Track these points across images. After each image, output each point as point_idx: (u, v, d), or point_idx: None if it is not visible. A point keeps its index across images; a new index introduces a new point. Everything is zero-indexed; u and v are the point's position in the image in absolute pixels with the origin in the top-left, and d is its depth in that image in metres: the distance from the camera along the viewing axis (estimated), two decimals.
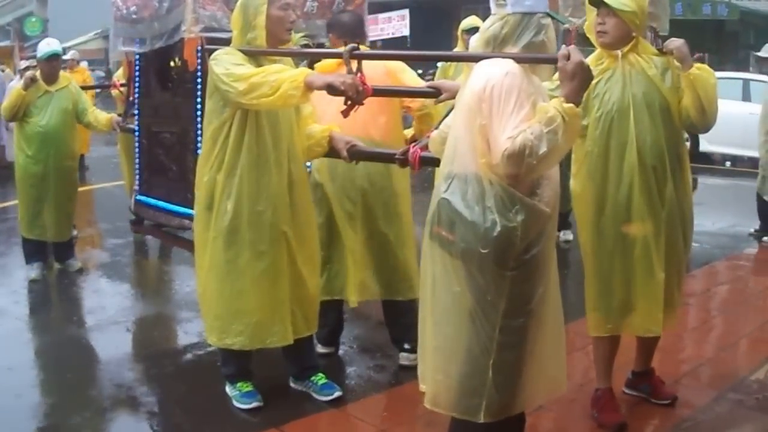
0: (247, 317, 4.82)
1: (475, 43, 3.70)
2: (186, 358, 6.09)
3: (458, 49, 8.12)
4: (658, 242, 4.56)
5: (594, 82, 4.35)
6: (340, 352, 6.01)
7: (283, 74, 4.40)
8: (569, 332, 4.86)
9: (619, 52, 4.55)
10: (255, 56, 4.73)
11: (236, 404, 5.07)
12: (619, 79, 4.53)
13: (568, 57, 3.27)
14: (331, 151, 4.96)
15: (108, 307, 7.30)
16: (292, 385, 5.30)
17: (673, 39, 4.60)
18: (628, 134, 4.48)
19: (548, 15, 3.52)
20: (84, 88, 9.50)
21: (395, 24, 22.96)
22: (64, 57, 16.39)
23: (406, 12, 22.18)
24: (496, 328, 3.40)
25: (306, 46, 5.83)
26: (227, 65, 4.55)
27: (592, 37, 4.66)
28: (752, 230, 10.05)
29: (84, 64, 16.61)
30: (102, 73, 32.58)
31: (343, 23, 5.60)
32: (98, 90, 15.16)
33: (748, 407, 5.12)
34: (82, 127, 8.65)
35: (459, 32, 8.19)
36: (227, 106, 4.68)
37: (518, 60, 3.39)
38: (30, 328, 6.99)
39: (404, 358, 5.63)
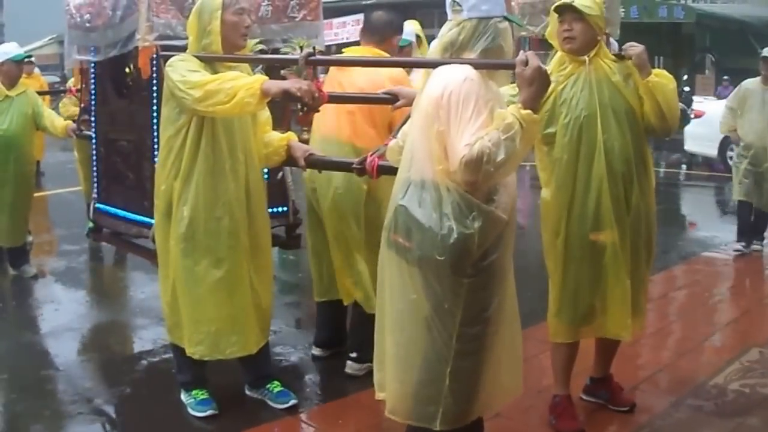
0: (206, 326, 4.80)
1: (433, 49, 3.69)
2: (141, 365, 6.01)
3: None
4: (624, 248, 4.57)
5: (559, 87, 4.49)
6: (295, 358, 6.01)
7: (239, 81, 4.39)
8: (526, 338, 4.85)
9: (586, 58, 4.54)
10: (211, 62, 4.71)
11: (191, 411, 5.03)
12: (585, 84, 4.52)
13: (526, 63, 3.26)
14: (289, 160, 4.99)
15: (63, 314, 7.25)
16: (247, 392, 5.25)
17: (633, 45, 4.59)
18: (596, 141, 4.48)
19: (506, 19, 3.50)
20: (40, 93, 9.48)
21: (350, 29, 22.95)
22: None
23: (361, 16, 22.13)
24: (453, 336, 3.38)
25: (262, 51, 5.81)
26: (183, 72, 4.53)
27: (556, 44, 4.65)
28: (739, 247, 9.63)
29: (36, 70, 16.45)
30: (57, 78, 32.22)
31: (372, 25, 5.60)
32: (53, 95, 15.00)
33: (707, 412, 5.12)
34: (38, 133, 8.62)
35: None
36: (183, 113, 4.65)
37: (476, 66, 3.37)
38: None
39: (349, 367, 5.61)
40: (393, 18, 5.60)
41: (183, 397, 5.13)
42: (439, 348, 3.40)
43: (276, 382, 5.20)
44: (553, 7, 4.57)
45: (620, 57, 4.61)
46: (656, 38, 23.86)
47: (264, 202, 5.05)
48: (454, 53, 3.48)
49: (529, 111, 3.21)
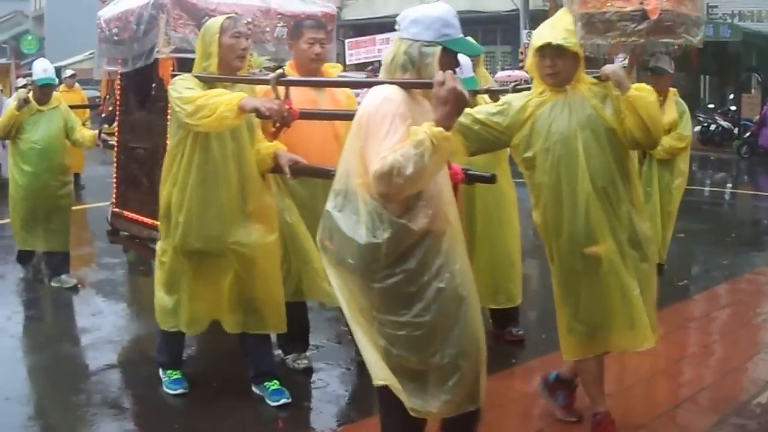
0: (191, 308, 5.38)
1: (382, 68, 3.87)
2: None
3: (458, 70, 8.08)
4: (625, 260, 4.59)
5: (537, 112, 4.65)
6: (336, 372, 6.05)
7: (222, 97, 4.81)
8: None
9: (567, 87, 4.63)
10: (209, 82, 5.09)
11: (165, 389, 5.57)
12: (564, 108, 4.61)
13: (442, 83, 3.38)
14: (276, 168, 5.25)
15: (103, 326, 7.29)
16: (253, 389, 5.55)
17: (607, 65, 4.70)
18: (578, 161, 4.54)
19: (439, 44, 3.61)
20: (76, 107, 10.02)
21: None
22: (65, 76, 16.67)
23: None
24: (383, 331, 3.62)
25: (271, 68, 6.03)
26: (180, 89, 4.98)
27: (536, 76, 4.74)
28: None
29: (77, 84, 16.82)
30: (97, 92, 32.69)
31: None
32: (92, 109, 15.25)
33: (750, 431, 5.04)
34: (77, 147, 8.95)
35: None
36: (181, 127, 5.09)
37: (400, 85, 3.58)
38: (24, 346, 6.97)
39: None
40: None
41: (160, 374, 5.67)
42: (377, 339, 3.65)
43: (275, 381, 5.49)
44: (533, 48, 4.65)
45: (599, 79, 4.68)
46: (702, 57, 23.66)
47: (265, 204, 5.35)
48: (390, 73, 3.69)
49: (440, 129, 3.32)
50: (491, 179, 4.69)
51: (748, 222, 13.87)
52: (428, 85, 3.48)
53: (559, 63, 4.56)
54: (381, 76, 3.80)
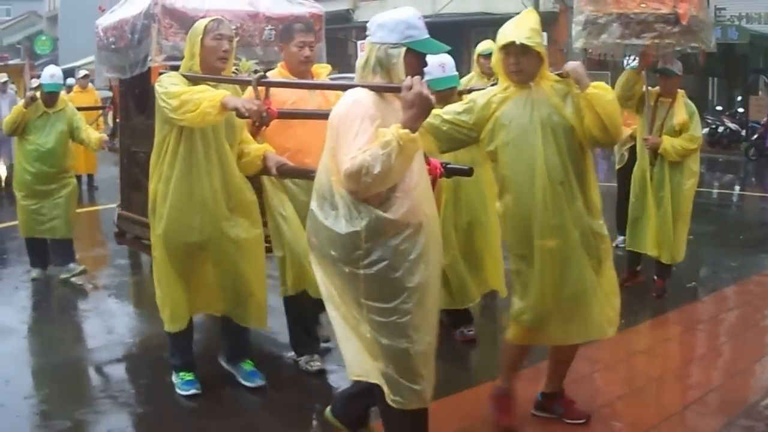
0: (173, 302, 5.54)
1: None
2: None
3: (473, 73, 8.22)
4: (577, 255, 4.76)
5: (501, 108, 4.82)
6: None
7: (206, 94, 4.99)
8: (578, 357, 4.87)
9: (531, 84, 4.78)
10: (194, 80, 5.24)
11: (178, 390, 5.64)
12: (527, 104, 4.77)
13: (410, 87, 3.64)
14: (264, 169, 5.47)
15: (116, 327, 7.36)
16: (222, 364, 5.89)
17: (569, 62, 4.84)
18: (536, 155, 4.70)
19: (404, 45, 3.86)
20: (83, 109, 10.34)
21: None
22: (78, 76, 16.77)
23: None
24: (369, 321, 3.84)
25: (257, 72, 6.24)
26: (166, 85, 5.15)
27: (501, 74, 4.89)
28: None
29: (91, 85, 16.92)
30: (110, 93, 32.74)
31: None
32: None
33: None
34: (84, 146, 9.27)
35: (476, 55, 8.18)
36: (166, 122, 5.28)
37: (371, 88, 3.85)
38: (37, 348, 7.03)
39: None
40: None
41: (173, 378, 5.73)
42: (363, 330, 3.87)
43: (249, 362, 5.82)
44: (497, 45, 4.80)
45: (561, 76, 4.83)
46: (710, 59, 23.60)
47: (246, 200, 5.56)
48: (362, 75, 3.97)
49: (407, 130, 3.57)
50: (469, 172, 4.86)
51: (756, 224, 13.85)
52: (397, 90, 3.74)
53: (523, 61, 4.71)
54: (355, 79, 4.03)
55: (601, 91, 4.65)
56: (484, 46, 8.13)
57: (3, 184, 15.90)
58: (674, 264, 8.14)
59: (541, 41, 4.71)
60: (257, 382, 5.68)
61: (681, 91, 7.98)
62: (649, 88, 7.93)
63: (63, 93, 9.38)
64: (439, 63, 6.28)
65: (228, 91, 5.14)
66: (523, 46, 4.63)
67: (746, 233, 12.02)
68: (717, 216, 14.04)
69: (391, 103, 3.85)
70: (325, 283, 3.96)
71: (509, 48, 4.70)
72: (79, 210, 9.59)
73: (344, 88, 4.10)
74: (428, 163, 4.56)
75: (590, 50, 7.60)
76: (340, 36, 30.56)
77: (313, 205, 3.96)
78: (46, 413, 5.49)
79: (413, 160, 3.75)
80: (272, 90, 5.29)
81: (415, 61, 3.88)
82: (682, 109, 7.86)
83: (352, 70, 11.93)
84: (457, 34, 26.57)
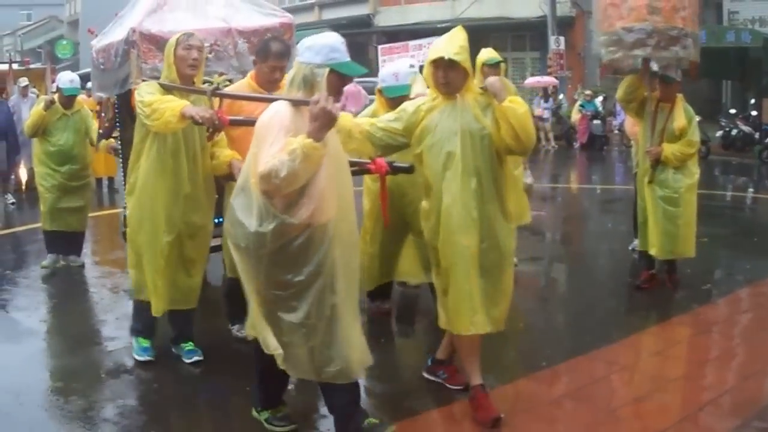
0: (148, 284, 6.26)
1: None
2: (209, 375, 6.25)
3: (476, 81, 8.23)
4: (481, 255, 5.20)
5: (429, 115, 5.29)
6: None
7: (170, 103, 5.66)
8: (593, 359, 4.93)
9: (457, 95, 5.24)
10: (170, 90, 5.91)
11: (134, 355, 6.47)
12: (452, 113, 5.24)
13: (317, 102, 4.14)
14: (229, 175, 6.02)
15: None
16: (173, 349, 6.57)
17: (489, 78, 5.38)
18: (455, 159, 5.16)
19: (327, 66, 4.40)
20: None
21: (425, 51, 23.03)
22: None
23: (433, 40, 22.24)
24: (273, 303, 4.54)
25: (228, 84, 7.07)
26: (143, 94, 5.82)
27: (431, 85, 5.36)
28: None
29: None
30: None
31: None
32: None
33: None
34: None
35: (479, 65, 8.13)
36: (143, 126, 5.99)
37: (290, 102, 4.39)
38: (55, 349, 7.14)
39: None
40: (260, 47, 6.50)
41: (132, 341, 6.59)
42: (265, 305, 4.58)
43: (190, 342, 6.55)
44: (428, 59, 5.25)
45: (484, 90, 5.24)
46: (724, 63, 23.62)
47: (210, 196, 6.38)
48: (290, 90, 4.51)
49: (310, 140, 4.11)
50: (410, 169, 5.60)
51: None
52: (306, 103, 4.26)
53: (450, 75, 5.17)
54: (283, 93, 4.67)
55: (515, 105, 5.03)
56: (487, 55, 8.19)
57: (24, 187, 16.15)
58: (681, 258, 8.45)
59: (468, 57, 5.15)
60: (194, 357, 6.43)
61: (680, 96, 8.31)
62: (650, 93, 8.25)
63: (83, 96, 9.76)
64: (393, 72, 6.68)
65: (188, 101, 5.78)
66: (451, 61, 5.08)
67: (760, 236, 12.01)
68: (731, 219, 14.05)
69: (306, 116, 4.25)
70: (238, 263, 4.56)
71: (439, 62, 5.15)
72: (99, 213, 9.85)
73: (272, 101, 4.62)
74: (374, 162, 5.51)
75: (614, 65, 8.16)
76: (360, 40, 30.60)
77: (233, 199, 4.54)
78: (61, 412, 5.60)
79: (319, 165, 4.20)
80: (242, 102, 6.14)
81: (337, 80, 4.43)
82: (682, 114, 8.24)
83: (373, 74, 12.06)
84: (476, 38, 26.50)
